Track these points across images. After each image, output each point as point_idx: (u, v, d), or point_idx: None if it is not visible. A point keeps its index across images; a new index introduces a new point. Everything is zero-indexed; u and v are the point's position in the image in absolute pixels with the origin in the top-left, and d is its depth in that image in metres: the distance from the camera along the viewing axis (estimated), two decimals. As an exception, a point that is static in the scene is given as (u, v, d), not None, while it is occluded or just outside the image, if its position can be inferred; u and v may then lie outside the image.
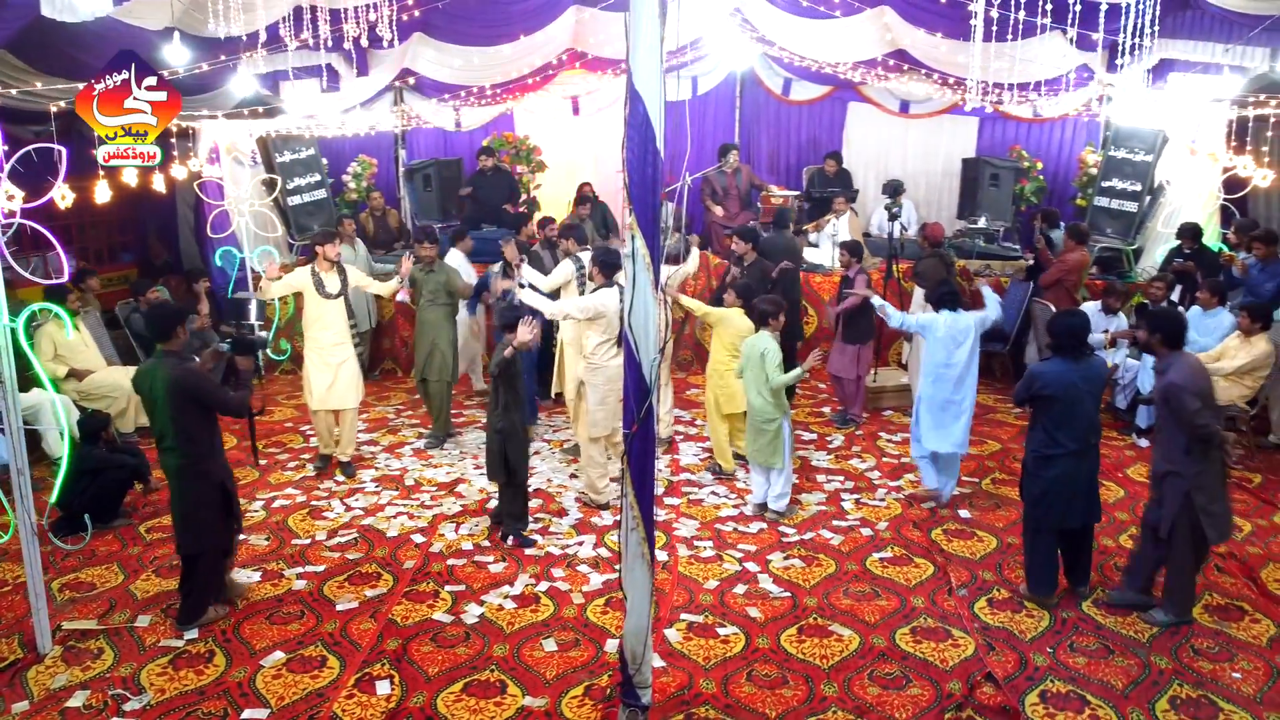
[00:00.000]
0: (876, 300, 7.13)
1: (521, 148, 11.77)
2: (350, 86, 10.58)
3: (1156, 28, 7.39)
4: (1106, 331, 8.10)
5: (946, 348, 6.64)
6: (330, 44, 10.03)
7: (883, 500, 6.89)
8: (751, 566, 5.91)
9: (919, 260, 8.74)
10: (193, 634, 5.12)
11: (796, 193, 10.72)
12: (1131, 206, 9.81)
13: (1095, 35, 8.24)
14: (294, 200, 10.35)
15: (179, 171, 8.10)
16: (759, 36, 10.82)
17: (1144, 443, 7.88)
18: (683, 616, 5.32)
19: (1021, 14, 7.80)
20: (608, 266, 6.75)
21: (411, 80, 11.18)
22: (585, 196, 10.72)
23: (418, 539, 6.30)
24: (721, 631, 5.16)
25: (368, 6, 8.54)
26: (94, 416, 6.98)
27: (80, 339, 7.89)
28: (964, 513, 6.67)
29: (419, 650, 4.99)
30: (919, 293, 8.58)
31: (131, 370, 8.05)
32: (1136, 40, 8.97)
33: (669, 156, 12.78)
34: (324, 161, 10.82)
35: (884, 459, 7.70)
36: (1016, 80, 10.45)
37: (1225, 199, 9.37)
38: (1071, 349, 5.23)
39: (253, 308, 6.59)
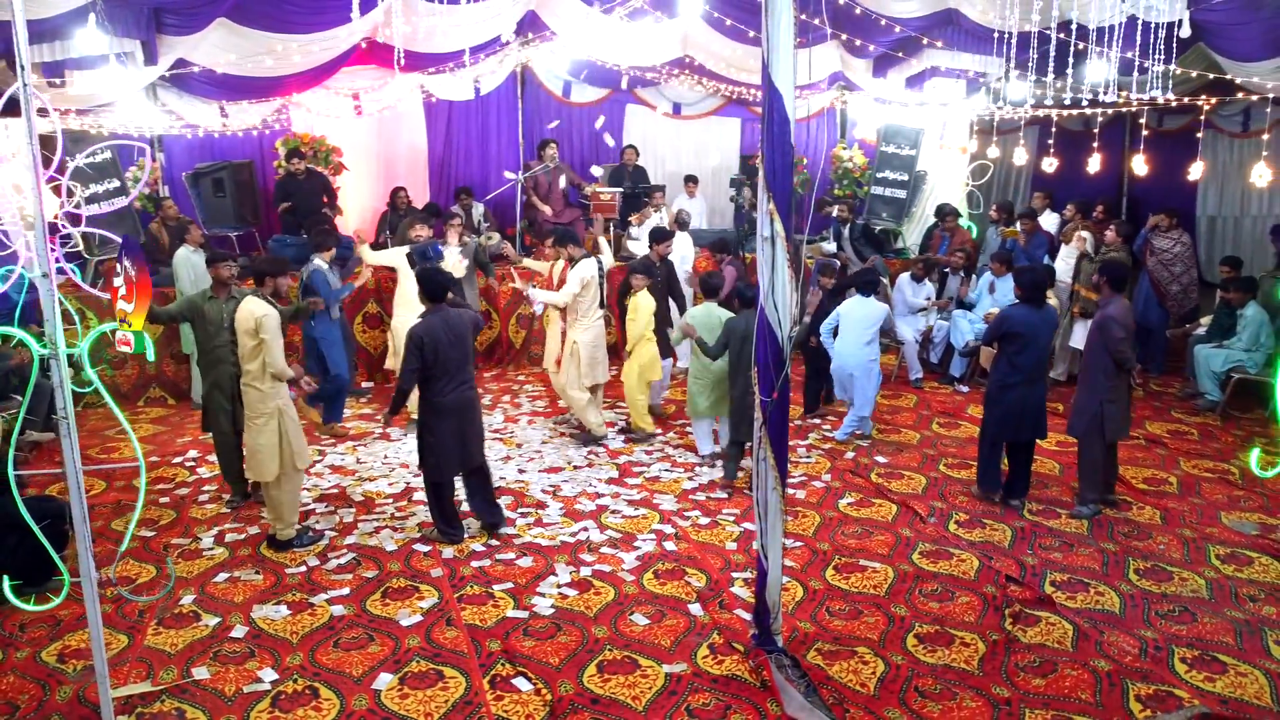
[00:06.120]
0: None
1: (320, 149, 11.18)
2: (137, 74, 9.50)
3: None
4: (929, 299, 9.58)
5: (861, 326, 7.76)
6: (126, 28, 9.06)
7: (810, 457, 7.72)
8: (750, 526, 6.45)
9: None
10: (273, 675, 4.71)
11: (621, 189, 11.24)
12: (901, 194, 11.52)
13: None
14: (91, 210, 9.07)
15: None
16: (550, 36, 11.26)
17: (965, 388, 9.43)
18: (734, 575, 5.77)
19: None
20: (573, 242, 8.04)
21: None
22: (440, 208, 10.53)
23: (421, 548, 6.11)
24: (776, 582, 5.67)
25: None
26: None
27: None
28: (880, 459, 7.69)
29: (523, 646, 4.99)
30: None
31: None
32: (904, 50, 10.62)
33: (460, 156, 12.78)
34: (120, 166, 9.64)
35: (781, 424, 8.53)
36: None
37: (972, 185, 11.36)
38: (1033, 298, 6.50)
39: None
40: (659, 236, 8.59)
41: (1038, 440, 6.78)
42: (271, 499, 6.00)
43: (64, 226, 4.01)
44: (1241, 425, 8.38)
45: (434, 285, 6.11)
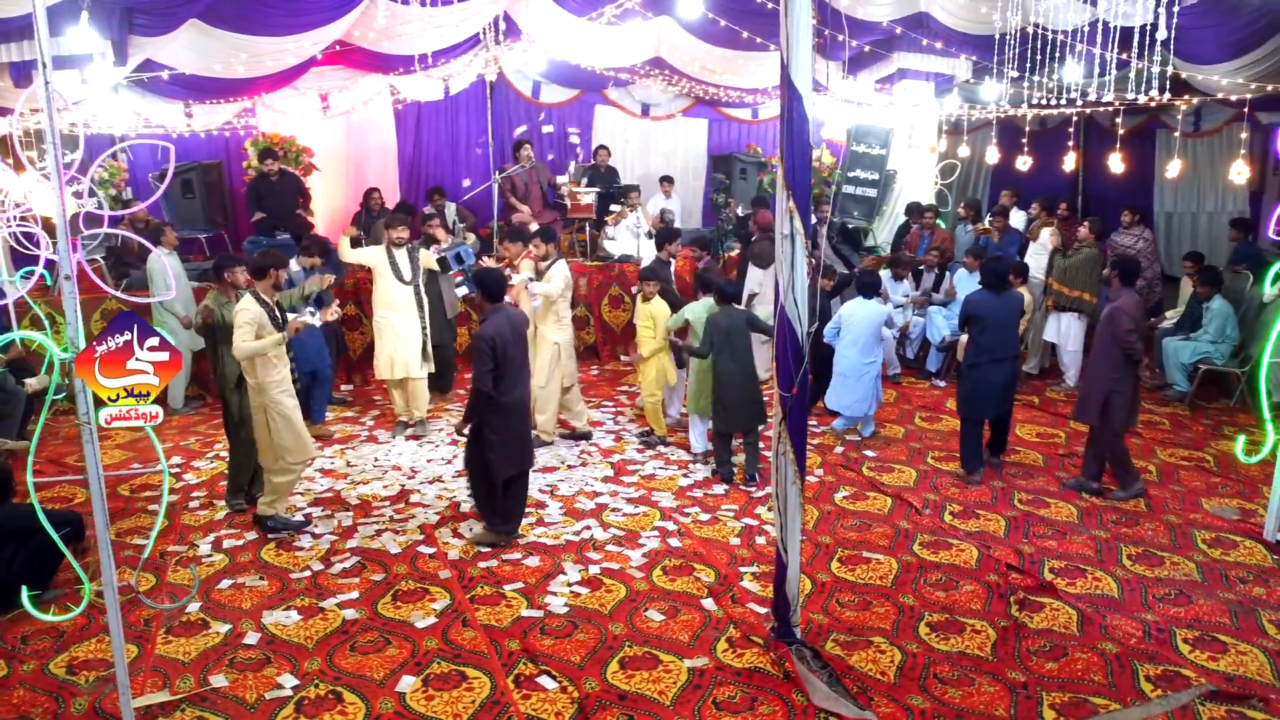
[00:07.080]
0: None
1: (291, 149, 11.00)
2: (108, 73, 9.27)
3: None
4: (906, 296, 9.76)
5: (862, 327, 7.88)
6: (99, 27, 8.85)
7: (800, 453, 7.81)
8: (750, 521, 6.53)
9: (753, 242, 9.75)
10: (293, 680, 4.65)
11: (599, 190, 11.23)
12: (872, 193, 11.70)
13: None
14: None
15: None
16: (529, 39, 11.22)
17: (941, 383, 9.61)
18: (741, 569, 5.83)
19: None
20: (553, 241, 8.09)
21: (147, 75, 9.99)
22: (414, 207, 10.46)
23: (425, 550, 6.07)
24: (784, 575, 5.75)
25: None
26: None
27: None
28: (869, 453, 7.82)
29: (543, 644, 5.00)
30: (754, 271, 9.58)
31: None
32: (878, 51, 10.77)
33: (430, 157, 12.68)
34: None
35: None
36: (763, 85, 11.96)
37: (942, 184, 11.57)
38: (994, 285, 6.83)
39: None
40: (668, 237, 8.63)
41: (1017, 431, 7.05)
42: (268, 481, 6.31)
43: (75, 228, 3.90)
44: (1209, 415, 8.67)
45: (495, 285, 6.10)
